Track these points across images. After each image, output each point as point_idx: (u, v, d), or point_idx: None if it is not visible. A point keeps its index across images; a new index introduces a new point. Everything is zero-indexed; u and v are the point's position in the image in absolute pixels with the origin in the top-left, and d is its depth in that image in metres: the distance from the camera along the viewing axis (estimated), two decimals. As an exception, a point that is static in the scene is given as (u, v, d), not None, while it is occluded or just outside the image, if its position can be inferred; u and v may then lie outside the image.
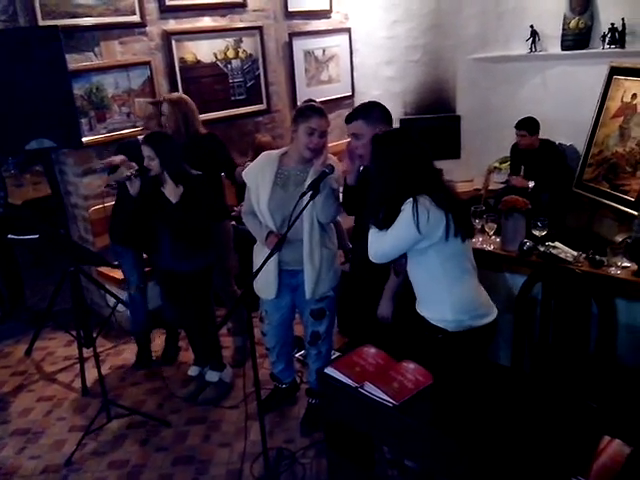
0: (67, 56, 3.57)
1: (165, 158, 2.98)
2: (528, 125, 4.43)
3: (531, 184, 4.37)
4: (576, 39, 4.93)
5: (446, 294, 2.23)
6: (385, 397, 1.94)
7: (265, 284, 2.83)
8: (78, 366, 3.61)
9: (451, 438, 1.78)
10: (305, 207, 2.43)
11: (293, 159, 2.74)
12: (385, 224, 2.20)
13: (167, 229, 3.10)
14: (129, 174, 3.04)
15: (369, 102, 2.67)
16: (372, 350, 2.22)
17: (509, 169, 4.83)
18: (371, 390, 1.99)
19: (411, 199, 2.14)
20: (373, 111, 2.55)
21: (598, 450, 1.61)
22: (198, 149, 3.37)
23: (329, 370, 2.15)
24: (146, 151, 2.98)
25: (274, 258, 2.64)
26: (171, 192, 3.08)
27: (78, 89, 3.92)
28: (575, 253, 2.80)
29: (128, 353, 4.00)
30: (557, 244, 2.87)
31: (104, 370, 3.60)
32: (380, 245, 2.23)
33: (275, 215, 2.72)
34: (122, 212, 3.52)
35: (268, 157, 2.80)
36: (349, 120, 2.56)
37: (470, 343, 2.23)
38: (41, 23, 3.71)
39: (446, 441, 1.79)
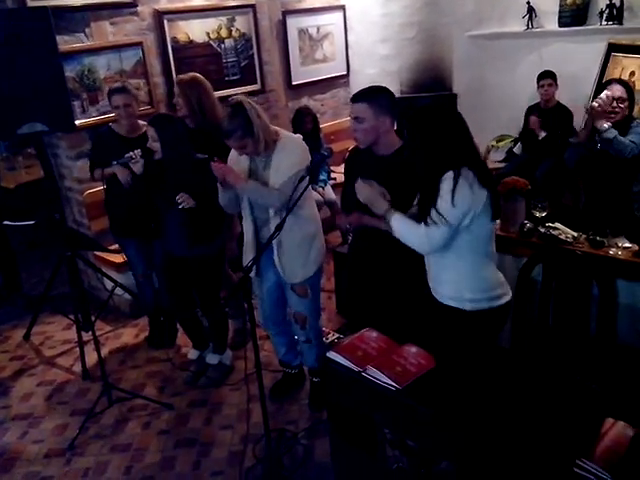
0: (57, 37, 3.48)
1: (166, 142, 2.93)
2: (551, 73, 4.54)
3: (543, 134, 4.51)
4: (573, 15, 4.88)
5: (467, 272, 2.16)
6: (388, 381, 1.95)
7: (246, 260, 2.87)
8: (78, 350, 3.61)
9: (454, 422, 1.79)
10: (304, 192, 2.41)
11: None
12: (424, 206, 2.08)
13: (175, 215, 3.03)
14: (131, 155, 3.05)
15: (378, 87, 2.56)
16: (374, 334, 2.22)
17: (507, 147, 4.83)
18: (374, 374, 2.00)
19: (451, 172, 2.02)
20: (380, 97, 2.46)
21: (601, 432, 1.63)
22: (213, 136, 3.32)
23: (331, 354, 2.16)
24: (150, 132, 2.96)
25: (252, 234, 2.81)
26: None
27: (70, 71, 3.84)
28: (575, 234, 2.81)
29: (127, 336, 4.01)
30: (557, 225, 2.87)
31: (103, 353, 3.59)
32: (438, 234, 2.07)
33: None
34: (119, 204, 3.49)
35: None
36: (354, 100, 2.48)
37: (485, 324, 2.20)
38: (30, 4, 3.63)
39: (449, 425, 1.81)
